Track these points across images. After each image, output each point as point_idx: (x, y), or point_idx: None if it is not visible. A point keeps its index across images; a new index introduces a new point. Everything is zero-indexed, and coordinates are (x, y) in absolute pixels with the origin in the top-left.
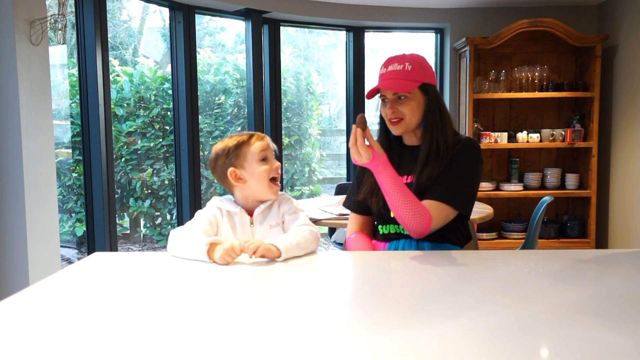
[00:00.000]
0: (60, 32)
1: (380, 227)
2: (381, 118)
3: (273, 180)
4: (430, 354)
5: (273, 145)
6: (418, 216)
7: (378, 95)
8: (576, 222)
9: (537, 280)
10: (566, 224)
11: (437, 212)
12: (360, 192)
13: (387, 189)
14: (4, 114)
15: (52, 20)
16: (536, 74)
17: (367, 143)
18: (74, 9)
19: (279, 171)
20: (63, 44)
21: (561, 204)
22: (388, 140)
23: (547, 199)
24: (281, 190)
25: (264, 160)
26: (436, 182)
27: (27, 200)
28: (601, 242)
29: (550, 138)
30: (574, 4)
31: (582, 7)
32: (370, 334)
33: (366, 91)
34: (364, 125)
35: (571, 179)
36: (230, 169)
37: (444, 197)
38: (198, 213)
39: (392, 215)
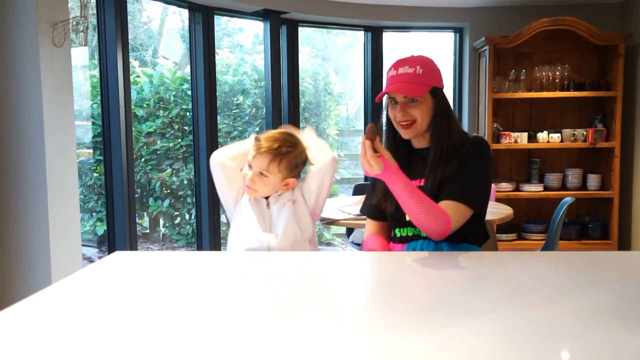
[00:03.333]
0: (82, 34)
1: (397, 230)
2: (388, 120)
3: (246, 184)
4: (447, 356)
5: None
6: (437, 219)
7: (385, 96)
8: (598, 224)
9: (558, 283)
10: (587, 225)
11: (454, 212)
12: (374, 197)
13: (402, 196)
14: (28, 114)
15: (74, 22)
16: (557, 73)
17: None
18: (95, 11)
19: (251, 184)
20: (85, 45)
21: (582, 204)
22: (395, 143)
23: (568, 199)
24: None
25: (249, 166)
26: (449, 182)
27: (50, 199)
28: (624, 243)
29: (572, 138)
30: (596, 2)
31: (605, 5)
32: (386, 336)
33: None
34: (373, 136)
35: (593, 180)
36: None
37: (459, 196)
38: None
39: (407, 218)
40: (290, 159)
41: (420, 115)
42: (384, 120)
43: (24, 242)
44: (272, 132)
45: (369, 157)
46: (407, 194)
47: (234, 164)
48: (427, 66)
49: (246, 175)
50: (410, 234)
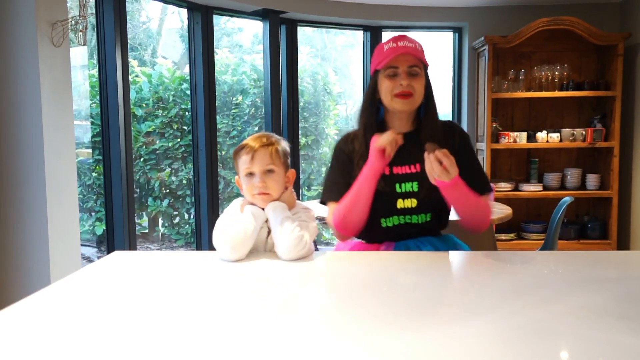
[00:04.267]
0: (81, 33)
1: (382, 220)
2: (373, 100)
3: (258, 194)
4: (446, 356)
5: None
6: (487, 215)
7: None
8: (597, 223)
9: (557, 282)
10: (587, 225)
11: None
12: (350, 179)
13: (463, 200)
14: (27, 114)
15: (73, 22)
16: (556, 72)
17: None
18: (94, 11)
19: (263, 188)
20: (84, 45)
21: (582, 204)
22: (377, 127)
23: (567, 199)
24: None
25: (250, 175)
26: (468, 178)
27: (49, 199)
28: (623, 243)
29: (571, 138)
30: (595, 2)
31: (604, 4)
32: (385, 336)
33: (376, 65)
34: (435, 147)
35: (592, 179)
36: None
37: (484, 189)
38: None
39: (399, 205)
40: (281, 147)
41: (419, 89)
42: (365, 101)
43: (23, 241)
44: (249, 137)
45: (446, 163)
46: (470, 197)
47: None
48: (422, 47)
49: (251, 186)
50: (396, 223)
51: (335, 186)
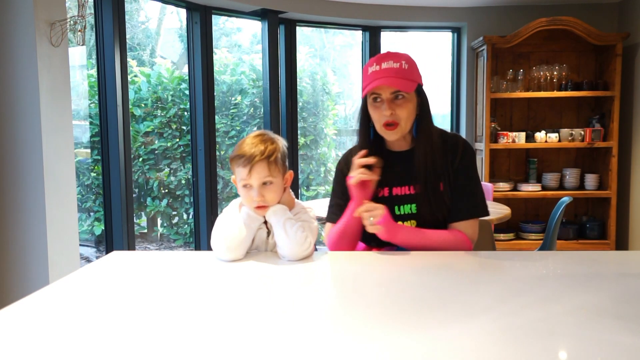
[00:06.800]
0: (79, 33)
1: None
2: (365, 121)
3: (256, 207)
4: (446, 356)
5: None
6: (456, 246)
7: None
8: (596, 223)
9: (555, 282)
10: (585, 225)
11: (471, 229)
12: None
13: (418, 239)
14: (25, 114)
15: (72, 21)
16: (555, 73)
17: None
18: (93, 11)
19: (261, 202)
20: (82, 45)
21: (580, 204)
22: (371, 147)
23: (565, 199)
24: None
25: (247, 186)
26: (457, 199)
27: (47, 199)
28: (621, 243)
29: (569, 138)
30: (594, 2)
31: (603, 5)
32: (383, 335)
33: (362, 90)
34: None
35: (590, 180)
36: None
37: (473, 213)
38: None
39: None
40: (280, 154)
41: (405, 115)
42: (359, 121)
43: (22, 241)
44: (247, 141)
45: (365, 216)
46: (426, 234)
47: (245, 249)
48: (411, 62)
49: (249, 198)
50: None
51: (335, 207)
